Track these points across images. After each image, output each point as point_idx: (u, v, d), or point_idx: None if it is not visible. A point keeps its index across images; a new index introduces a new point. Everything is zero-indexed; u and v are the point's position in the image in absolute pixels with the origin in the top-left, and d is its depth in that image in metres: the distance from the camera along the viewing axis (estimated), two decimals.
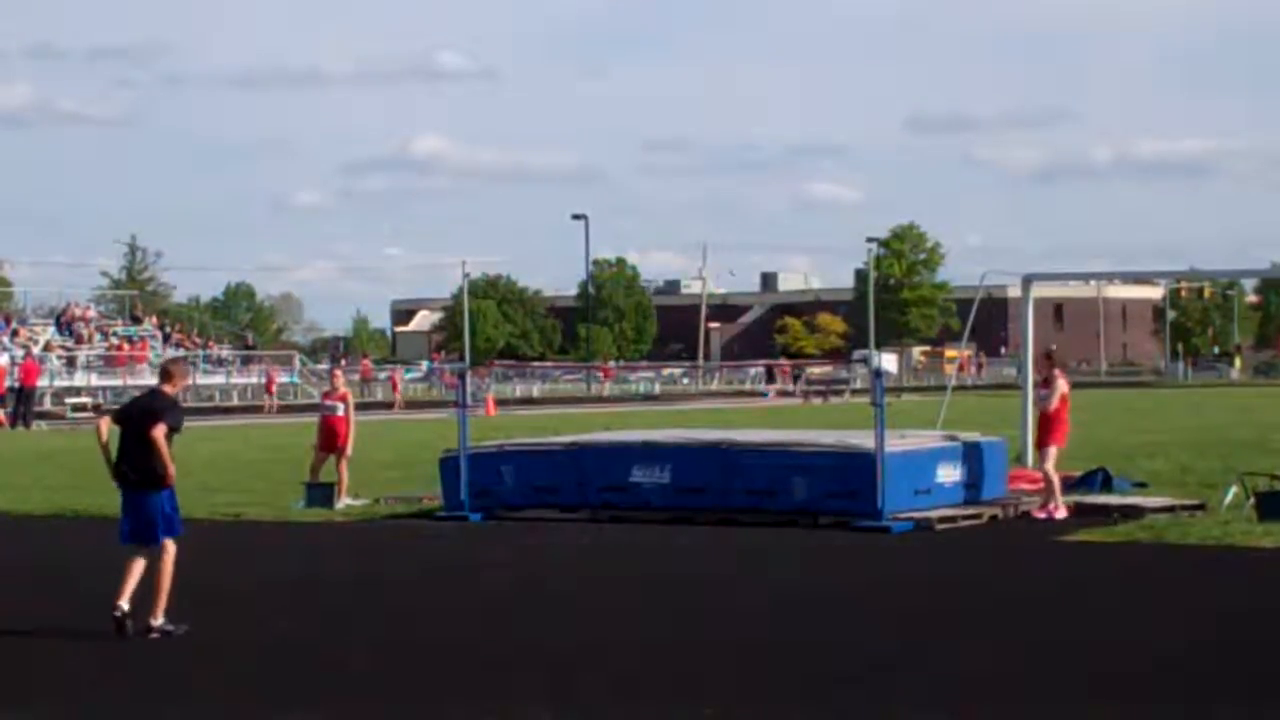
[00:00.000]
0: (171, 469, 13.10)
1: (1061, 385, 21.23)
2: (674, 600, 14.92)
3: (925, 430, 24.26)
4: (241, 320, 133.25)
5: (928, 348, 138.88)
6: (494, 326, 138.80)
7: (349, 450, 23.47)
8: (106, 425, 13.53)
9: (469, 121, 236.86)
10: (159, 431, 13.06)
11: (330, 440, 23.53)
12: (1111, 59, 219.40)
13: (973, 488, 21.21)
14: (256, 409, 67.24)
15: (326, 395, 24.49)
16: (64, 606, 14.77)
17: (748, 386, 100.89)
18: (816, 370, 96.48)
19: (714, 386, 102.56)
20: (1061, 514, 20.51)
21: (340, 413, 23.60)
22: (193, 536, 20.14)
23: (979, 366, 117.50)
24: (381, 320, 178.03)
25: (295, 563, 17.94)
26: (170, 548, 13.18)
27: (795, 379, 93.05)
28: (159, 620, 12.91)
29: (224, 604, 14.75)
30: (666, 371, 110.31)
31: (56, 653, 12.54)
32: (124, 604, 12.89)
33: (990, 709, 10.27)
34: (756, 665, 11.73)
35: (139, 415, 13.26)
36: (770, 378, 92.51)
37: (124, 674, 11.76)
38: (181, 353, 70.61)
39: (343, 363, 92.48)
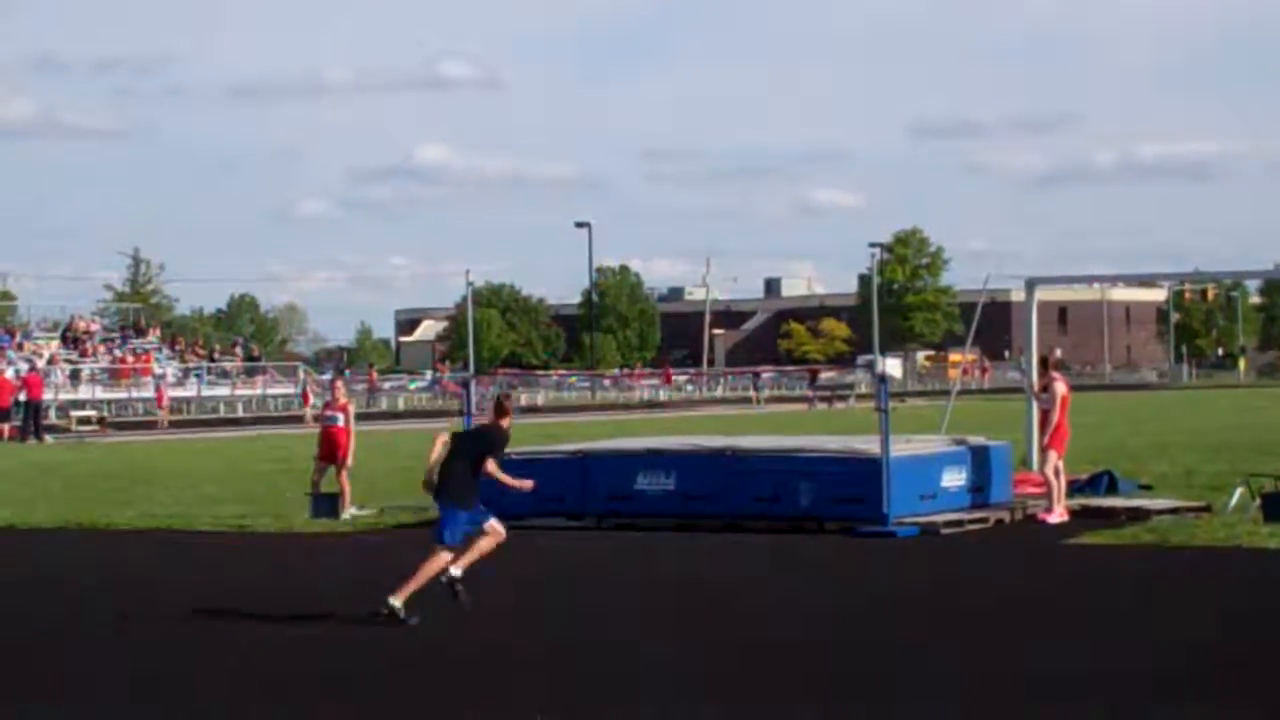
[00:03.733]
0: (513, 483, 14.53)
1: (1060, 389, 21.24)
2: (678, 605, 14.92)
3: (930, 435, 24.25)
4: (242, 332, 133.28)
5: (932, 352, 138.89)
6: (498, 335, 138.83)
7: (350, 461, 23.45)
8: (443, 442, 14.55)
9: (472, 130, 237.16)
10: (491, 466, 14.31)
11: (331, 450, 23.51)
12: (1113, 62, 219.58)
13: (978, 492, 21.22)
14: (262, 420, 67.21)
15: (327, 406, 24.47)
16: (67, 616, 14.78)
17: (750, 393, 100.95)
18: (824, 375, 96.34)
19: (719, 393, 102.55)
20: (1054, 519, 20.50)
21: (341, 423, 23.59)
22: (200, 548, 20.29)
23: (983, 371, 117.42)
24: (386, 330, 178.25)
25: (301, 572, 17.93)
26: (442, 553, 14.07)
27: (756, 387, 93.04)
28: (398, 601, 13.70)
29: (231, 612, 14.74)
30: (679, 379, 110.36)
31: (60, 658, 12.54)
32: (455, 571, 14.04)
33: (995, 711, 10.26)
34: (760, 667, 11.73)
35: (473, 445, 14.49)
36: (813, 381, 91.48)
37: (126, 678, 11.75)
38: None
39: (347, 373, 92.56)
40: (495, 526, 14.31)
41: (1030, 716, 10.19)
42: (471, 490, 14.29)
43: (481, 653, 12.74)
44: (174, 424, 65.67)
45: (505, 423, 14.62)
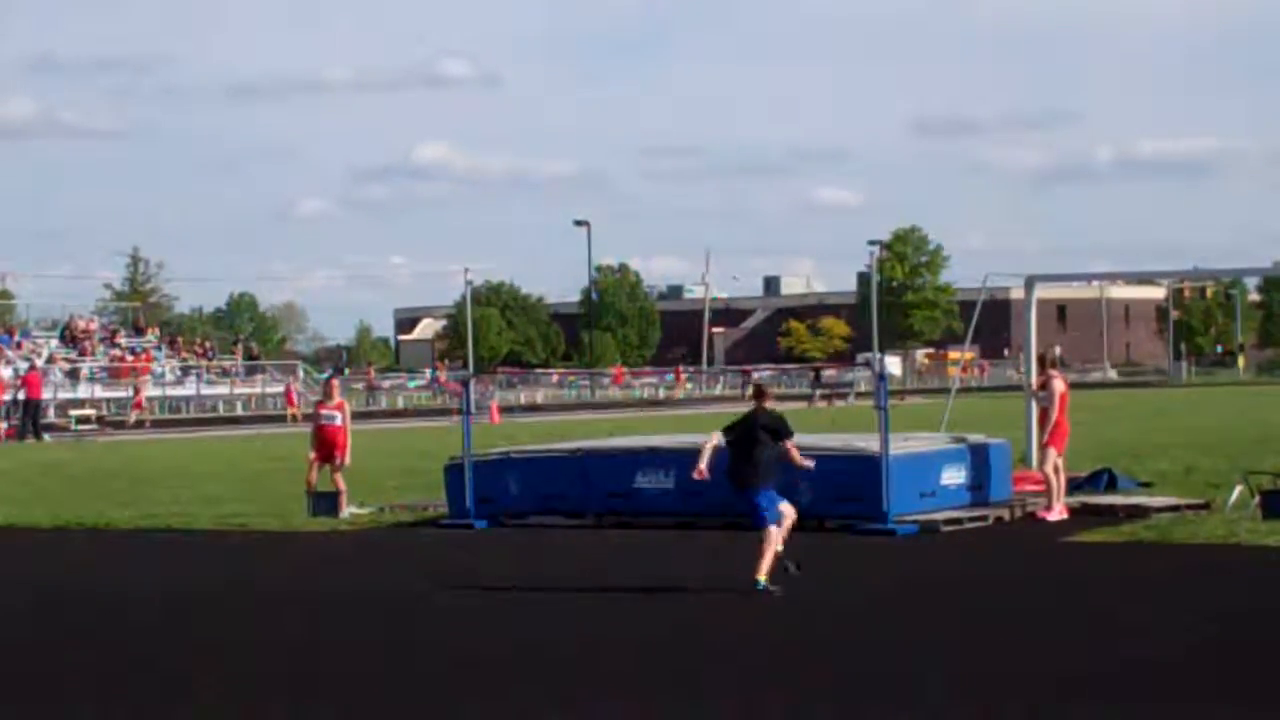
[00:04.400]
0: (803, 462, 16.30)
1: (1058, 387, 21.21)
2: (678, 604, 14.91)
3: (929, 433, 24.23)
4: (243, 330, 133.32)
5: (931, 350, 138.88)
6: (497, 334, 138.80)
7: (347, 460, 23.41)
8: (717, 439, 15.95)
9: (471, 128, 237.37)
10: (791, 445, 16.03)
11: (328, 449, 23.46)
12: (1112, 59, 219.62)
13: (978, 490, 21.20)
14: (262, 419, 67.16)
15: (321, 405, 24.37)
16: (66, 616, 14.79)
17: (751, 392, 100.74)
18: (828, 373, 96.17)
19: (719, 391, 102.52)
20: (1053, 516, 20.49)
21: (339, 422, 23.56)
22: (201, 547, 20.30)
23: (980, 369, 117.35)
24: (385, 329, 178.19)
25: (303, 571, 17.94)
26: (771, 529, 15.40)
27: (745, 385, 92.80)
28: (762, 578, 15.05)
29: (232, 610, 14.76)
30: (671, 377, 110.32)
31: (59, 658, 12.54)
32: (759, 577, 15.12)
33: (995, 709, 10.25)
34: (760, 666, 11.73)
35: (765, 431, 15.72)
36: (817, 380, 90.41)
37: (126, 678, 11.74)
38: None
39: (347, 372, 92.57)
40: (789, 508, 15.83)
41: (1029, 716, 10.18)
42: (774, 472, 15.72)
43: (478, 650, 12.73)
44: (174, 423, 65.64)
45: (769, 404, 16.02)
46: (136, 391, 67.90)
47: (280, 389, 79.61)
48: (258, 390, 79.05)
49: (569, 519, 21.11)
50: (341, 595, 15.92)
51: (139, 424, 62.65)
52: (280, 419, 64.92)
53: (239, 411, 72.97)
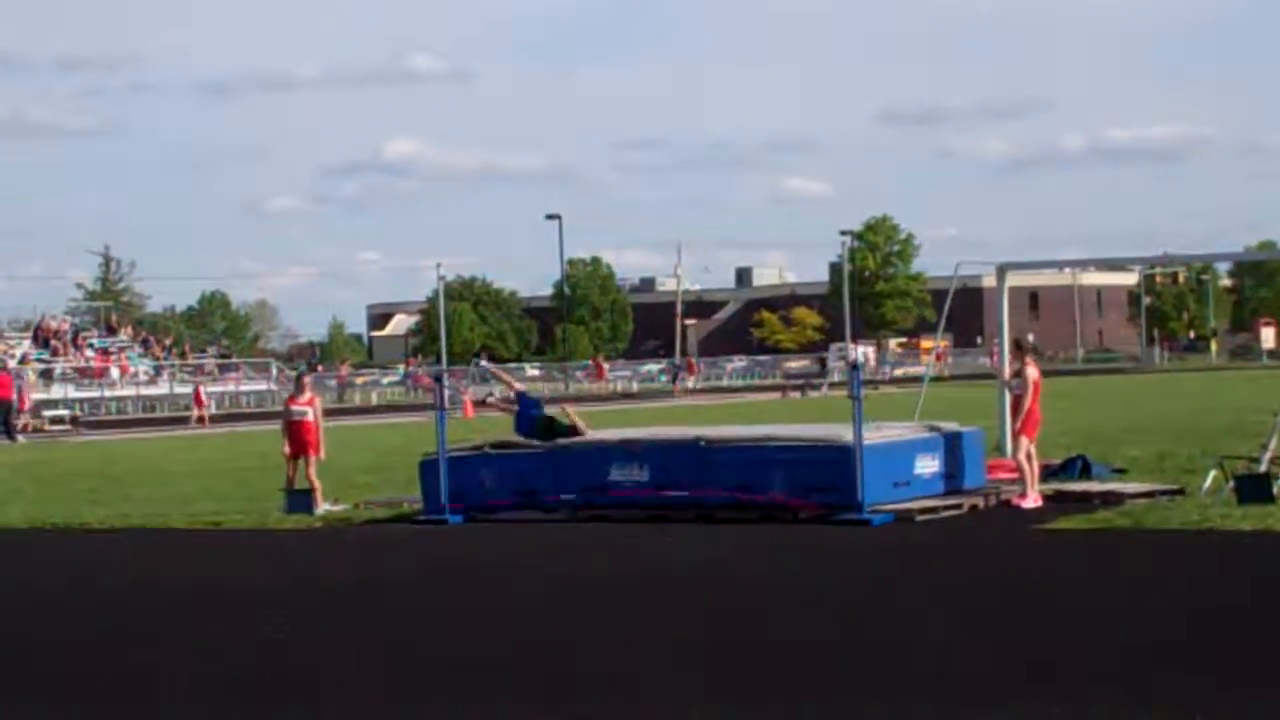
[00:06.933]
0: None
1: (1032, 374, 21.25)
2: (659, 599, 14.87)
3: (903, 422, 24.24)
4: (214, 329, 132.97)
5: (904, 339, 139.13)
6: (470, 328, 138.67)
7: (322, 454, 23.39)
8: None
9: (442, 123, 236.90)
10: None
11: (300, 445, 23.42)
12: (1082, 47, 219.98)
13: (952, 478, 21.21)
14: (235, 417, 67.00)
15: (293, 400, 24.28)
16: (39, 617, 14.72)
17: (724, 383, 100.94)
18: (793, 365, 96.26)
19: (691, 384, 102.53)
20: (1028, 504, 20.52)
21: (310, 418, 23.52)
22: (175, 545, 20.23)
23: (938, 357, 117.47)
24: (358, 325, 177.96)
25: (280, 568, 17.88)
26: None
27: (674, 376, 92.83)
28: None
29: (211, 608, 14.70)
30: (645, 368, 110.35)
31: (32, 659, 12.48)
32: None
33: (981, 699, 10.25)
34: (745, 663, 11.70)
35: None
36: (823, 369, 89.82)
37: (98, 679, 11.69)
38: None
39: (319, 369, 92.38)
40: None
41: (1006, 704, 10.17)
42: None
43: (450, 651, 12.69)
44: (148, 421, 65.41)
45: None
46: (20, 392, 63.47)
47: (254, 386, 79.49)
48: (230, 389, 78.90)
49: (544, 513, 21.08)
50: (315, 592, 15.88)
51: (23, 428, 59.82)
52: (256, 416, 64.51)
53: (213, 410, 72.75)
